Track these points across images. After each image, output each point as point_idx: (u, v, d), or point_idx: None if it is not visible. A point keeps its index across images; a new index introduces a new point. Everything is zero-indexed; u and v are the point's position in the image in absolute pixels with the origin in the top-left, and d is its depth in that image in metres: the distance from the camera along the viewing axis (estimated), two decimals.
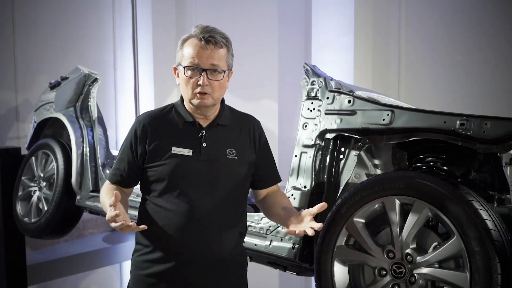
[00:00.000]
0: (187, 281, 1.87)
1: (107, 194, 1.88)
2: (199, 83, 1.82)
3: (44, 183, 3.91)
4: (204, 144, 1.88)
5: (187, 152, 1.86)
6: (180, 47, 1.87)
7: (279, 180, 2.10)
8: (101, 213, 3.61)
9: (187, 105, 1.92)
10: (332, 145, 2.43)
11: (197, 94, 1.83)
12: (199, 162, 1.86)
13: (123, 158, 1.93)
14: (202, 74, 1.81)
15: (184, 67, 1.84)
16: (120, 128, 6.10)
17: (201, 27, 1.85)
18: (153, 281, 1.87)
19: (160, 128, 1.90)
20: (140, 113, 5.89)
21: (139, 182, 1.97)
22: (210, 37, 1.81)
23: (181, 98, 1.95)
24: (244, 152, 1.94)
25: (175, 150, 1.86)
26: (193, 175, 1.85)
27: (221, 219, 1.87)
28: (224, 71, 1.85)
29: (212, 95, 1.84)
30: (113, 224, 1.66)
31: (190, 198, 1.84)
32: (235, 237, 1.94)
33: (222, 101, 1.99)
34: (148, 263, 1.88)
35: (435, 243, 2.01)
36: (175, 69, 1.91)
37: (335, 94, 2.42)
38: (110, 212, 1.66)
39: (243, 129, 1.98)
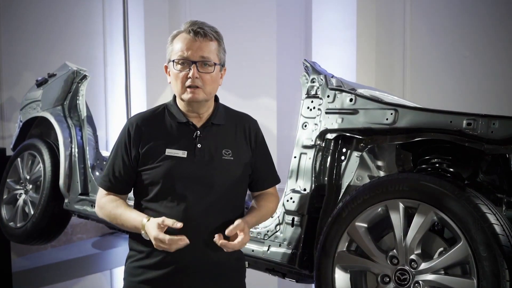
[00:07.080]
0: (182, 287, 1.87)
1: (120, 206, 1.90)
2: (189, 76, 1.83)
3: (31, 186, 3.90)
4: (199, 145, 1.88)
5: (182, 153, 1.86)
6: (170, 43, 1.89)
7: (277, 181, 2.10)
8: (90, 217, 3.61)
9: (179, 103, 1.93)
10: (333, 145, 2.44)
11: (188, 89, 1.84)
12: (194, 163, 1.87)
13: (116, 163, 1.91)
14: (192, 66, 1.83)
15: (173, 61, 1.86)
16: (110, 127, 6.10)
17: (190, 21, 1.88)
18: None
19: (153, 129, 1.90)
20: (132, 112, 5.93)
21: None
22: (199, 29, 1.84)
23: (174, 97, 1.96)
24: (240, 152, 1.95)
25: (169, 152, 1.86)
26: (188, 177, 1.86)
27: (218, 222, 1.88)
28: (215, 64, 1.86)
29: (204, 89, 1.85)
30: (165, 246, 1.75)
31: (185, 201, 1.84)
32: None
33: (216, 100, 2.00)
34: (142, 269, 1.89)
35: (441, 249, 2.02)
36: (166, 67, 1.93)
37: (336, 92, 2.43)
38: (165, 236, 1.73)
39: (238, 129, 1.98)
